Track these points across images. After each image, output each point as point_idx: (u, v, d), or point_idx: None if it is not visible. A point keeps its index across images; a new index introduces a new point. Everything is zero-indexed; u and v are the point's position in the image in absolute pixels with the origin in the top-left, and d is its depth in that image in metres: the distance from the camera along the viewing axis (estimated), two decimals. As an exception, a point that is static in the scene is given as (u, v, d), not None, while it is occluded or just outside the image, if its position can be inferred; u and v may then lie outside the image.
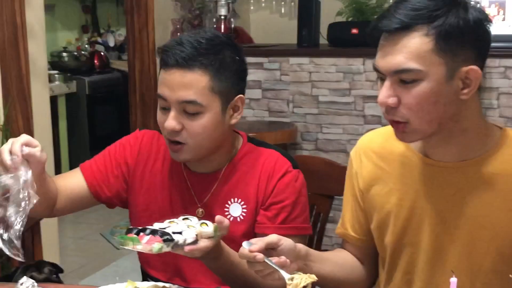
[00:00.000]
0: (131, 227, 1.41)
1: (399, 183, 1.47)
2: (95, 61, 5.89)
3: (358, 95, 3.69)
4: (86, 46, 6.09)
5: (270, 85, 3.88)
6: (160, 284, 1.56)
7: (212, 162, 1.66)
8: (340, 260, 1.58)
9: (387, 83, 1.33)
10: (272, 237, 1.36)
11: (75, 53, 5.78)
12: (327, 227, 2.12)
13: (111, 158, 1.73)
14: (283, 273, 1.31)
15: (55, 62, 5.61)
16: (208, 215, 1.62)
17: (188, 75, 1.53)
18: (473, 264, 1.40)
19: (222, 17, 4.11)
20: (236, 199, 1.65)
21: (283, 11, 5.03)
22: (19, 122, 2.91)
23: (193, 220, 1.43)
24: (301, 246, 1.43)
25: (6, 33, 2.85)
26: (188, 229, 1.40)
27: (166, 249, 1.36)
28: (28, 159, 1.44)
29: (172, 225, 1.41)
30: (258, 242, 1.34)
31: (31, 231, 2.82)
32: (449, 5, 1.29)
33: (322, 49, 3.91)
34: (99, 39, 6.30)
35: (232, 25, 4.20)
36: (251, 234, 1.61)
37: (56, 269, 1.54)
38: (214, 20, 4.16)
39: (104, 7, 6.48)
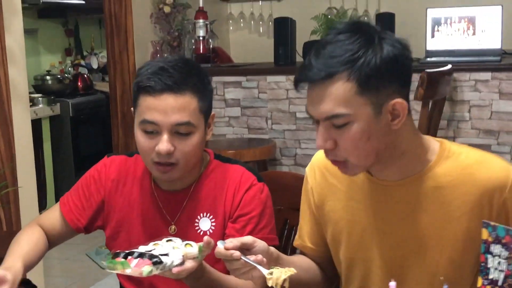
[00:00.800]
0: (118, 251, 1.42)
1: (351, 200, 1.52)
2: (79, 83, 5.93)
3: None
4: (70, 69, 6.13)
5: (248, 103, 3.96)
6: None
7: (184, 179, 1.72)
8: (304, 265, 1.64)
9: (321, 128, 1.38)
10: (247, 238, 1.41)
11: (59, 76, 5.80)
12: (299, 240, 2.18)
13: (85, 190, 1.81)
14: (262, 268, 1.36)
15: (38, 86, 5.65)
16: (180, 231, 1.69)
17: (181, 98, 1.59)
18: (428, 275, 1.45)
19: (201, 38, 4.19)
20: (205, 214, 1.71)
21: (261, 30, 5.12)
22: (1, 146, 2.95)
23: (177, 241, 1.45)
24: (273, 249, 1.48)
25: (-14, 59, 2.91)
26: (174, 251, 1.42)
27: (156, 271, 1.38)
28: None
29: (157, 248, 1.43)
30: (233, 241, 1.38)
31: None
32: (365, 47, 1.33)
33: (297, 66, 3.99)
34: (83, 62, 6.33)
35: (211, 46, 4.27)
36: None
37: (29, 286, 1.59)
38: (193, 41, 4.24)
39: (87, 30, 6.54)
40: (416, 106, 3.51)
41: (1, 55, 2.95)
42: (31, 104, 5.06)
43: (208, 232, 1.70)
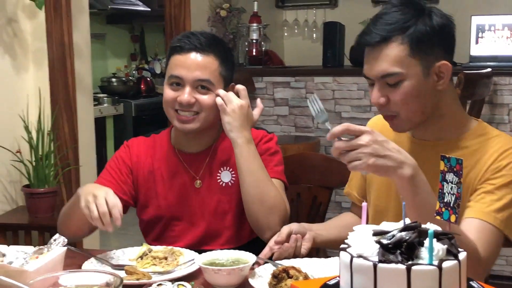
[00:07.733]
0: None
1: None
2: (142, 86, 6.26)
3: (378, 111, 3.91)
4: (134, 72, 6.48)
5: (296, 102, 4.17)
6: (176, 248, 1.77)
7: (204, 140, 1.97)
8: (343, 222, 1.88)
9: (376, 86, 1.61)
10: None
11: (124, 79, 6.15)
12: (327, 216, 2.36)
13: (115, 169, 1.98)
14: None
15: (104, 87, 6.01)
16: (204, 185, 1.95)
17: (204, 58, 1.88)
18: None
19: (254, 41, 4.43)
20: (225, 168, 1.96)
21: (314, 36, 5.32)
22: (65, 129, 3.24)
23: (168, 285, 1.45)
24: (305, 224, 1.75)
25: (55, 50, 3.20)
26: None
27: None
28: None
29: None
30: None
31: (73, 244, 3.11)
32: (417, 16, 1.58)
33: (344, 68, 4.18)
34: (146, 66, 6.68)
35: (263, 48, 4.50)
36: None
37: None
38: (246, 43, 4.48)
39: (152, 36, 6.87)
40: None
41: (69, 49, 3.25)
42: (97, 103, 5.40)
43: (229, 183, 1.94)
